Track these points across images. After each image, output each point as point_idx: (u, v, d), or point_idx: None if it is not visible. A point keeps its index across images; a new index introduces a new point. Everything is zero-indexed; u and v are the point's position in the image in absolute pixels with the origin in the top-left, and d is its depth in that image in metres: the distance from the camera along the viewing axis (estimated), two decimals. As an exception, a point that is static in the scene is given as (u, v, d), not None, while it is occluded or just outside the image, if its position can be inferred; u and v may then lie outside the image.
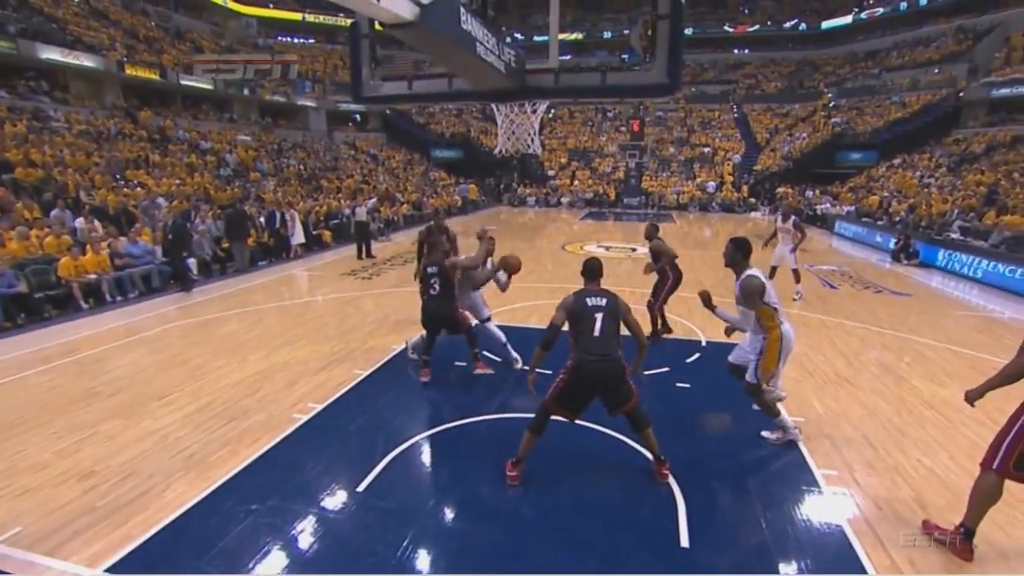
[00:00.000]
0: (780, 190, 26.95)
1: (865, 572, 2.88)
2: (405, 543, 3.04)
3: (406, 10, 3.24)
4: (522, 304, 8.00)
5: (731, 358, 4.47)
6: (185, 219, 10.57)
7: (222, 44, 30.78)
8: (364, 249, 12.72)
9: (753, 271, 3.97)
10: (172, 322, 7.49)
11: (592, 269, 3.71)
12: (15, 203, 10.00)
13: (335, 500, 3.44)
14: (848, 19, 38.26)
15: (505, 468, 3.62)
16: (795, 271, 8.80)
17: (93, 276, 8.20)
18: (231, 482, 3.60)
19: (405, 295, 8.51)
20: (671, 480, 3.62)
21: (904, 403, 5.02)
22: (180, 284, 9.19)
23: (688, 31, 38.17)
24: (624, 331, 3.53)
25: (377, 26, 3.73)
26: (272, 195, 16.08)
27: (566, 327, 3.52)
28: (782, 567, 2.96)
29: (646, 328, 6.05)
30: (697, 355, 6.20)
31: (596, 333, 3.41)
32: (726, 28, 42.06)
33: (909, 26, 34.77)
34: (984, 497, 2.92)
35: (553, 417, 3.57)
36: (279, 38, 36.81)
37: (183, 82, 24.04)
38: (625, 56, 37.52)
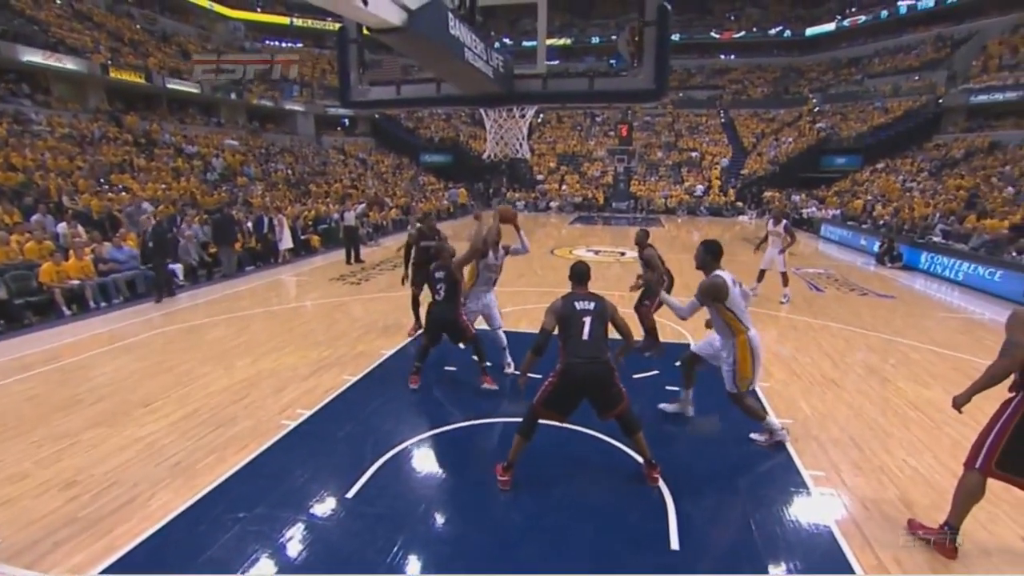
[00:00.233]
0: (767, 194, 27.30)
1: (853, 572, 2.91)
2: (395, 549, 3.01)
3: (394, 15, 3.24)
4: (511, 308, 7.99)
5: (694, 347, 4.46)
6: (171, 224, 10.46)
7: (209, 48, 30.51)
8: (353, 254, 12.65)
9: (721, 272, 4.00)
10: (158, 328, 7.38)
11: (580, 273, 3.73)
12: (-5, 208, 9.83)
13: (324, 507, 3.41)
14: (831, 26, 38.89)
15: (496, 472, 3.61)
16: (783, 274, 8.91)
17: (76, 282, 8.07)
18: (218, 490, 3.55)
19: (394, 300, 8.47)
20: (661, 483, 3.63)
21: (889, 404, 5.09)
22: (156, 294, 8.71)
23: (675, 37, 38.56)
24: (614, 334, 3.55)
25: (365, 31, 3.72)
26: (260, 200, 15.95)
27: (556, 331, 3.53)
28: (771, 568, 2.98)
29: (643, 331, 6.11)
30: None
31: (585, 337, 3.43)
32: (713, 34, 42.54)
33: (890, 34, 35.44)
34: (967, 496, 2.97)
35: (541, 421, 3.57)
36: (267, 42, 36.53)
37: (169, 86, 23.79)
38: (613, 61, 37.86)
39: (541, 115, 37.02)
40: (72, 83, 20.88)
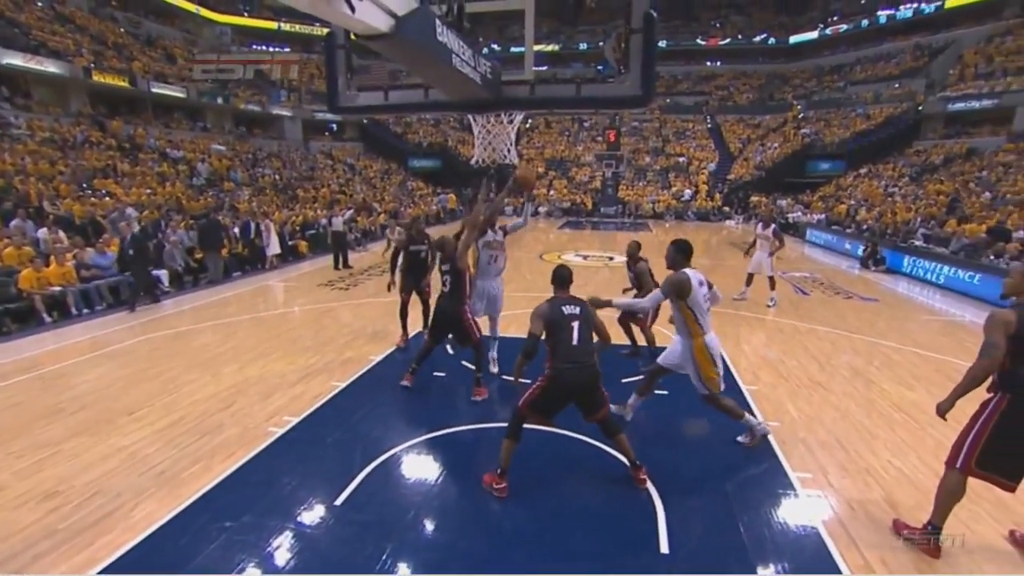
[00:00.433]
0: (753, 199, 27.64)
1: (840, 572, 2.94)
2: (384, 556, 2.99)
3: (381, 22, 3.24)
4: (500, 313, 7.97)
5: (660, 359, 4.44)
6: (155, 229, 10.30)
7: (195, 52, 30.26)
8: (341, 259, 12.58)
9: (688, 271, 4.05)
10: (142, 335, 7.26)
11: (562, 277, 3.75)
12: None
13: (312, 515, 3.37)
14: (814, 34, 39.65)
15: (491, 482, 3.59)
16: (771, 278, 9.02)
17: (57, 288, 7.92)
18: (204, 499, 3.49)
19: (383, 305, 8.43)
20: (650, 486, 3.65)
21: (874, 406, 5.17)
22: (130, 303, 8.38)
23: (662, 44, 38.99)
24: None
25: (353, 37, 3.72)
26: (247, 205, 15.81)
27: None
28: (760, 569, 3.00)
29: (643, 338, 6.11)
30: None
31: (575, 342, 3.46)
32: (699, 41, 43.10)
33: (871, 42, 36.20)
34: (949, 495, 3.02)
35: (526, 425, 3.58)
36: (254, 46, 36.31)
37: (154, 90, 23.55)
38: (600, 68, 38.13)
39: (529, 121, 37.18)
40: (53, 86, 20.58)
